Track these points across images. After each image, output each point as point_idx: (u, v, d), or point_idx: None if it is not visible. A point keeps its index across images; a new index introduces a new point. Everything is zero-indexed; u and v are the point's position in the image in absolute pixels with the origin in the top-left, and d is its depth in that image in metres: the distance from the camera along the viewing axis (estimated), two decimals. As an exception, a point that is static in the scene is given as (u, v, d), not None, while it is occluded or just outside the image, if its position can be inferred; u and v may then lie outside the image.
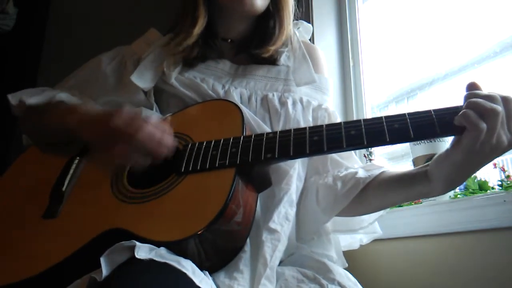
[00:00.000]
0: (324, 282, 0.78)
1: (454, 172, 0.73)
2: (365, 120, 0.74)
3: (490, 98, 0.67)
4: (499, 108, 0.66)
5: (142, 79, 0.99)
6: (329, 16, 1.70)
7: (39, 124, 0.94)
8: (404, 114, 0.72)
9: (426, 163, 0.80)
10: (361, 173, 0.91)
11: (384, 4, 1.80)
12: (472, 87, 0.71)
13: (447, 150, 0.73)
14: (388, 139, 0.70)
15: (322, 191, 0.93)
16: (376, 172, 0.89)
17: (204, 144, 0.81)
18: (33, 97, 0.96)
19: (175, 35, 1.04)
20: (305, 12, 1.58)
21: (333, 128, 0.75)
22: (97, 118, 0.80)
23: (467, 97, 0.69)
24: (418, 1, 1.70)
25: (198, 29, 1.01)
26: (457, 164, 0.71)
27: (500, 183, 1.12)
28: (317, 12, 1.64)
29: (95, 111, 0.84)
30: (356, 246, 1.05)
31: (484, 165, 0.71)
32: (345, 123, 0.75)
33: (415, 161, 1.26)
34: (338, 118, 1.06)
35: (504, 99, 0.67)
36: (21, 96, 0.95)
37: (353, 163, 1.00)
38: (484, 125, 0.65)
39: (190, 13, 1.03)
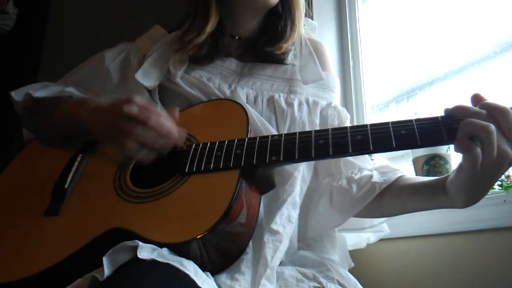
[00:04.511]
0: (323, 280, 0.78)
1: (468, 190, 0.69)
2: (371, 125, 0.73)
3: (479, 114, 0.64)
4: (491, 126, 0.62)
5: (147, 78, 0.98)
6: (329, 16, 1.70)
7: (46, 117, 0.93)
8: (411, 120, 0.70)
9: (447, 175, 0.75)
10: (376, 177, 0.88)
11: (384, 4, 1.80)
12: (476, 98, 0.67)
13: (456, 170, 0.69)
14: (394, 145, 0.69)
15: (336, 194, 0.91)
16: (392, 177, 0.87)
17: (209, 145, 0.81)
18: (39, 91, 0.96)
19: (184, 34, 1.03)
20: (305, 12, 1.58)
21: (339, 132, 0.74)
22: (109, 107, 0.79)
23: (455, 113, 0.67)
24: (418, 1, 1.70)
25: (210, 27, 1.01)
26: (468, 183, 0.68)
27: (500, 183, 1.12)
28: (317, 12, 1.64)
29: (107, 102, 0.83)
30: (363, 245, 1.04)
31: (498, 177, 0.67)
32: (351, 127, 0.74)
33: (415, 161, 1.26)
34: (348, 117, 1.04)
35: (495, 110, 0.64)
36: (27, 90, 0.95)
37: (366, 163, 0.98)
38: (478, 150, 0.63)
39: (202, 11, 1.02)
